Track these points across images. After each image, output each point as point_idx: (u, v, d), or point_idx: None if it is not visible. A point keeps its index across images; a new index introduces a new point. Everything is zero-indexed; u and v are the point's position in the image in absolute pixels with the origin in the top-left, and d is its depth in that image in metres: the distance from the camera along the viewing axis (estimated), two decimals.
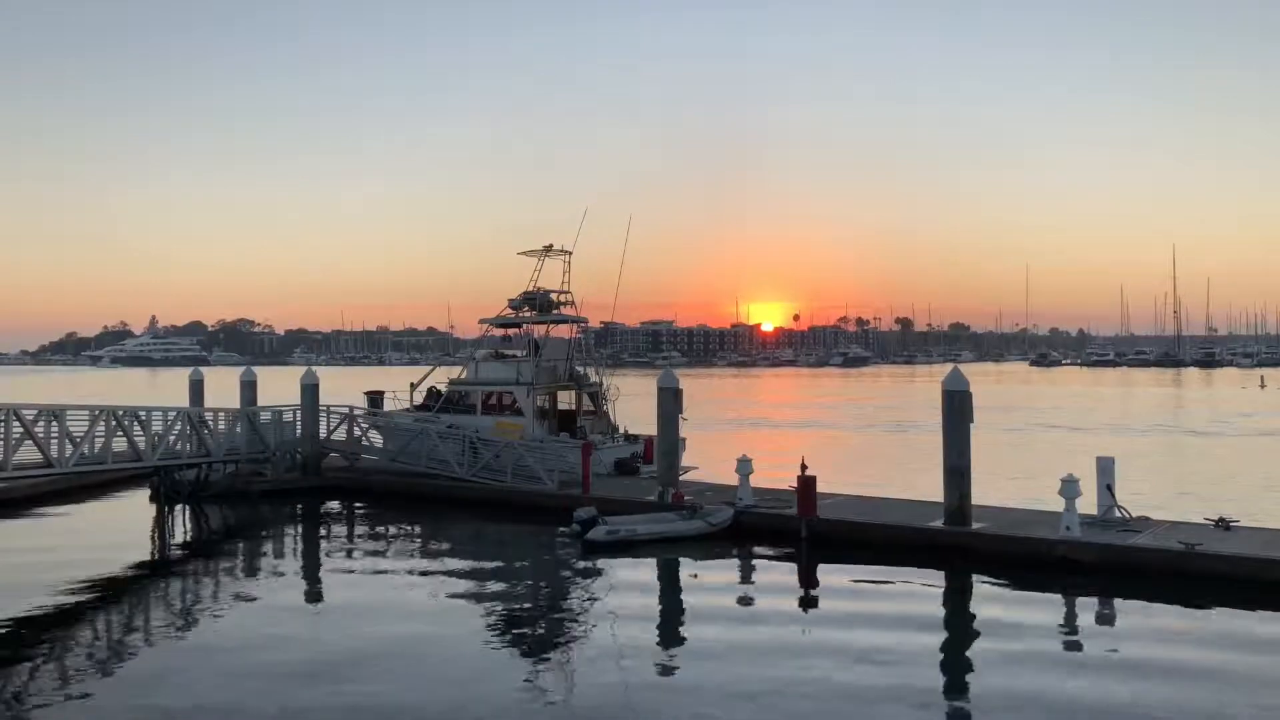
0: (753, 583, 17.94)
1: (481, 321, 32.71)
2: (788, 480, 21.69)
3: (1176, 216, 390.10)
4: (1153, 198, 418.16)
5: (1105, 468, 19.53)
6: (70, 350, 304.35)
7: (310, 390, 29.15)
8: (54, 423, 21.79)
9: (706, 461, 29.48)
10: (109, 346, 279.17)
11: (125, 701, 11.41)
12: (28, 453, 21.14)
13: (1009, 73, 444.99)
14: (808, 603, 16.39)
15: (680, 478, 25.00)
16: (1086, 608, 15.80)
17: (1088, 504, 18.93)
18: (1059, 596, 16.18)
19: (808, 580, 17.90)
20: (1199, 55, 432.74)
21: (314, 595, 17.29)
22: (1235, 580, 16.04)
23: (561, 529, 21.38)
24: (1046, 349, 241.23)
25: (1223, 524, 18.54)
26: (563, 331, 31.87)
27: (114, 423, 23.33)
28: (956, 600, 16.44)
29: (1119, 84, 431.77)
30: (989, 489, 21.93)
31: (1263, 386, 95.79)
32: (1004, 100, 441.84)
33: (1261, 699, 11.24)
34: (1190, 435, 47.02)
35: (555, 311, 30.80)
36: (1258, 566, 16.18)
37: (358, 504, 26.78)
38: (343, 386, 48.41)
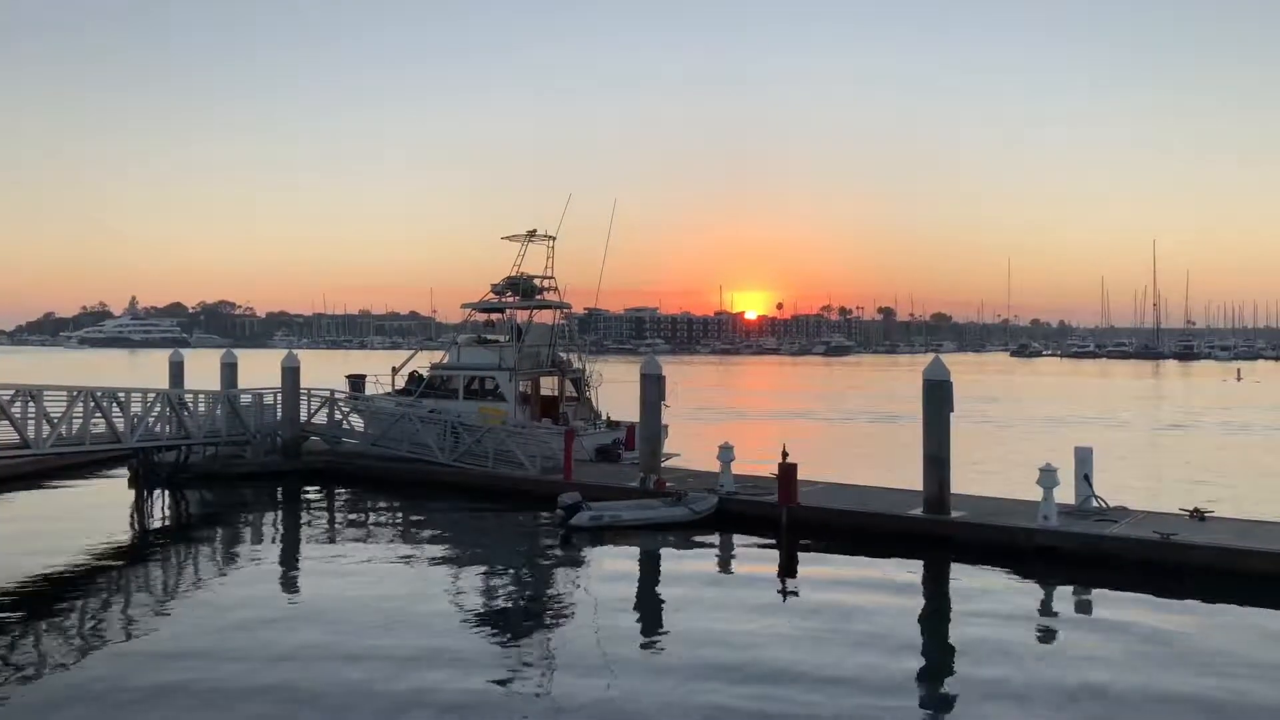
0: (731, 569, 18.03)
1: (464, 306, 32.60)
2: (769, 468, 21.76)
3: (1157, 210, 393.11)
4: (1134, 192, 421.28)
5: (1083, 458, 19.71)
6: (48, 331, 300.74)
7: (291, 373, 28.99)
8: (31, 403, 21.59)
9: (688, 449, 29.52)
10: (88, 327, 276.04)
11: (101, 685, 11.35)
12: (3, 433, 20.94)
13: (993, 68, 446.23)
14: (786, 589, 16.46)
15: (662, 465, 25.02)
16: (1063, 595, 15.96)
17: (1066, 494, 19.09)
18: (1036, 584, 16.34)
19: (787, 567, 17.99)
20: (1180, 51, 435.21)
21: (293, 579, 17.25)
22: (1209, 570, 16.23)
23: (544, 514, 21.40)
24: (1027, 340, 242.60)
25: (1197, 514, 18.75)
26: (546, 317, 31.79)
27: (92, 404, 23.14)
28: (934, 587, 16.57)
29: (1102, 79, 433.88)
30: (968, 478, 22.08)
31: (1239, 379, 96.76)
32: (987, 95, 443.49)
33: (1232, 685, 11.39)
34: (1167, 427, 47.44)
35: (538, 297, 30.70)
36: (1231, 556, 16.38)
37: (338, 488, 26.68)
38: (324, 370, 48.15)
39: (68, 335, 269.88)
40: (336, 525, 22.52)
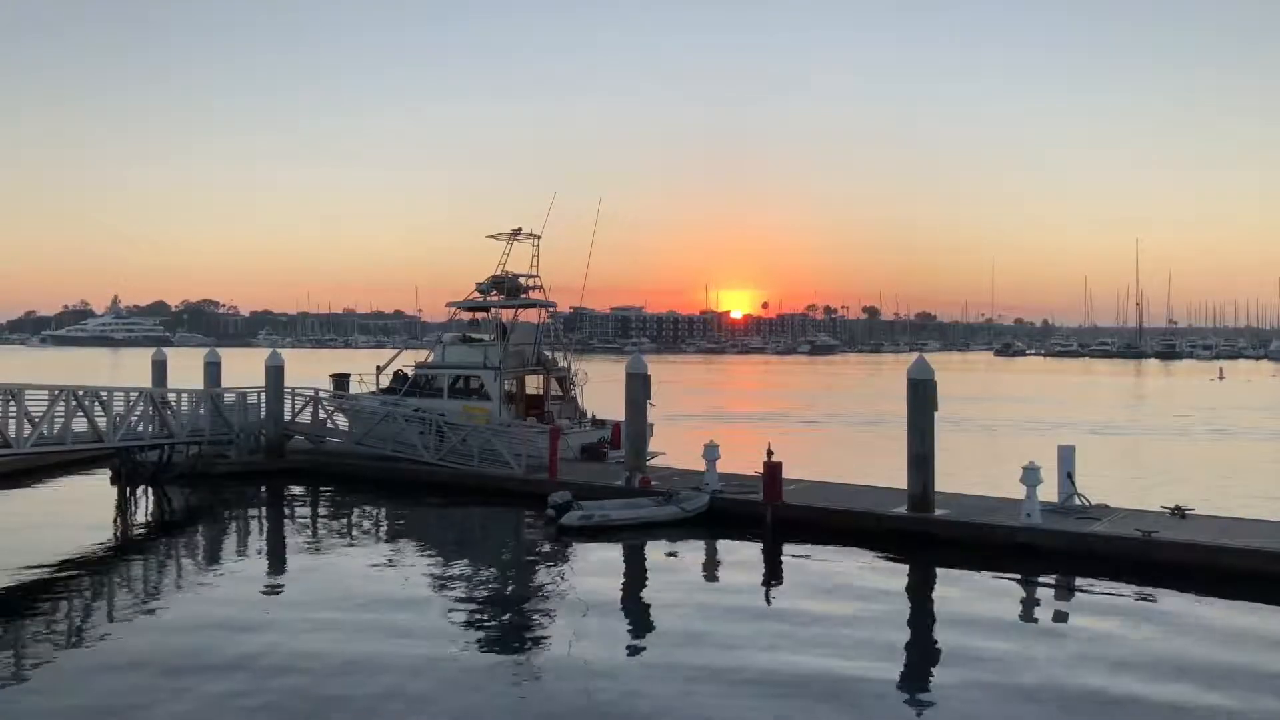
0: (717, 567, 18.05)
1: (449, 305, 32.54)
2: (754, 466, 21.80)
3: (1140, 210, 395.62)
4: (1117, 192, 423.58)
5: (1066, 456, 19.85)
6: (29, 329, 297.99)
7: (275, 372, 28.88)
8: (11, 402, 21.42)
9: (673, 447, 29.52)
10: (70, 326, 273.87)
11: (82, 685, 11.29)
12: None
13: (977, 68, 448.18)
14: (770, 586, 16.52)
15: (647, 463, 25.04)
16: (1045, 592, 16.09)
17: (1049, 492, 19.20)
18: (1019, 581, 16.44)
19: (772, 566, 18.03)
20: (1162, 51, 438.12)
21: (276, 579, 17.16)
22: (1189, 567, 16.37)
23: (529, 513, 21.38)
24: (1011, 339, 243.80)
25: (1178, 512, 18.89)
26: (531, 316, 31.76)
27: (74, 403, 22.97)
28: (918, 585, 16.65)
29: (1085, 79, 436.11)
30: (952, 476, 22.17)
31: (1221, 378, 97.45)
32: (971, 95, 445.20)
33: (1209, 680, 11.49)
34: (1150, 426, 47.75)
35: (523, 295, 30.68)
36: (1210, 554, 16.52)
37: (322, 487, 26.59)
38: (308, 369, 47.96)
39: (49, 334, 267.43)
40: (320, 524, 22.45)
